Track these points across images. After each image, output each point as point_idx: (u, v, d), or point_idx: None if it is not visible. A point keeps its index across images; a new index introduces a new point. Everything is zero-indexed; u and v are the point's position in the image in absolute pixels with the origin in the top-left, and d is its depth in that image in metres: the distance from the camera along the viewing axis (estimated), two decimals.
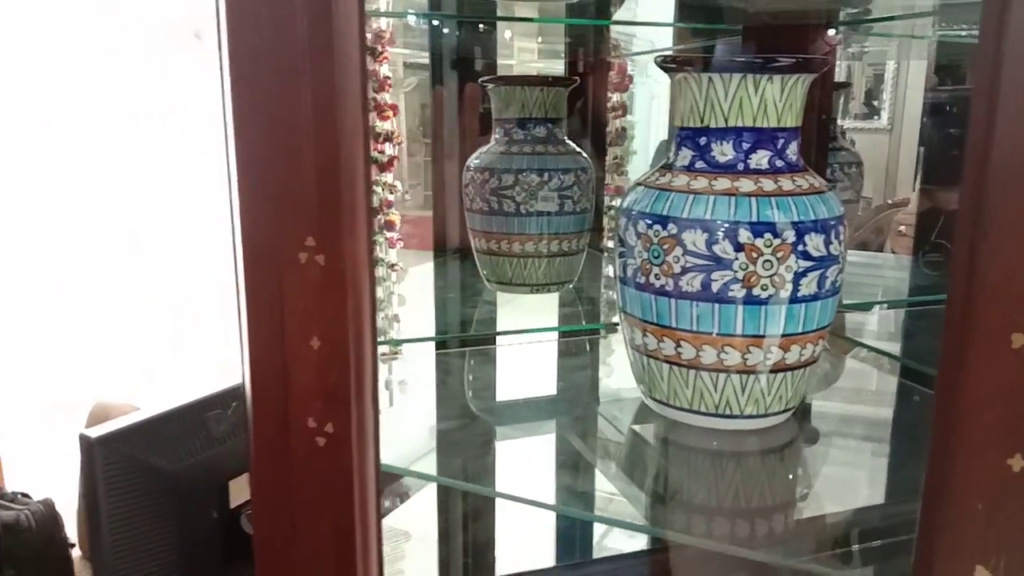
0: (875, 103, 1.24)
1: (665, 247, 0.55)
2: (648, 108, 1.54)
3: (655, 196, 0.56)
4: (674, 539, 0.71)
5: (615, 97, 1.19)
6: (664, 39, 1.18)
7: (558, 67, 1.33)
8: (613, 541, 1.27)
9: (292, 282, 0.49)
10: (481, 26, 1.13)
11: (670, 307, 0.55)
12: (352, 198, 0.47)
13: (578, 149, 0.98)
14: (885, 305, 1.08)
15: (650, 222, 0.56)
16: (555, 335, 1.03)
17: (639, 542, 1.03)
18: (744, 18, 0.81)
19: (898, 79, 1.23)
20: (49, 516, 1.61)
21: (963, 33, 0.98)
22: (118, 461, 0.90)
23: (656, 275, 0.55)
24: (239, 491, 1.01)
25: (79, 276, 1.99)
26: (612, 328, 0.99)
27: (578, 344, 1.03)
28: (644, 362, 0.59)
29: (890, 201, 1.19)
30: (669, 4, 1.00)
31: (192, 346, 1.90)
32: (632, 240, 0.57)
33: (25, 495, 1.82)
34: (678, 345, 0.56)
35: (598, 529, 1.28)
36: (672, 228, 0.54)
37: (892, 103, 1.22)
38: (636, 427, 0.69)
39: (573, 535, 1.27)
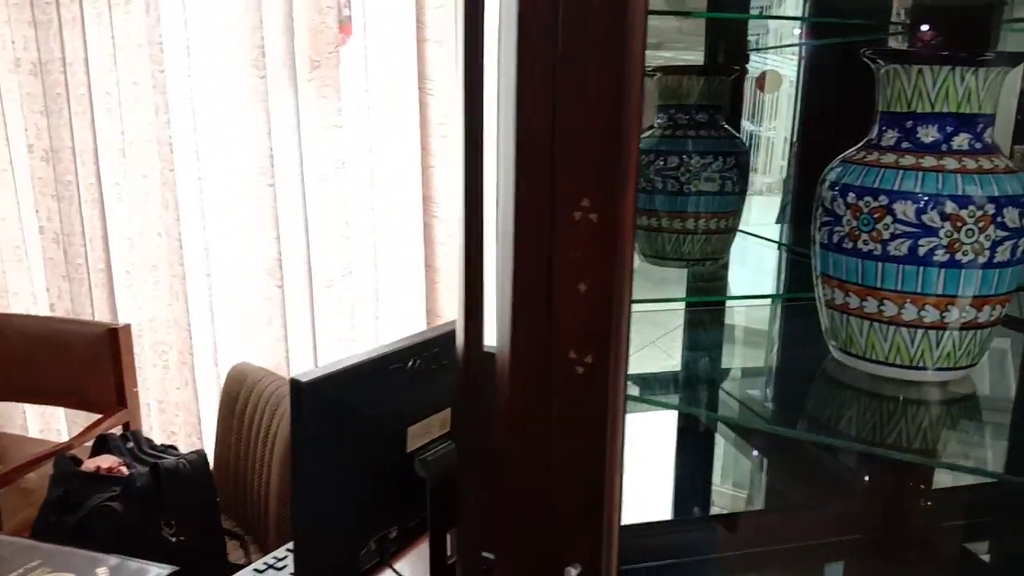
0: None
1: (875, 216, 0.63)
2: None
3: (864, 171, 0.65)
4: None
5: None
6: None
7: (695, 58, 1.41)
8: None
9: (565, 236, 0.59)
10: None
11: (877, 269, 0.63)
12: (627, 168, 0.57)
13: (736, 134, 1.06)
14: None
15: (860, 193, 0.64)
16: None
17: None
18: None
19: None
20: (201, 465, 1.78)
21: None
22: (322, 402, 1.02)
23: (865, 241, 0.64)
24: (415, 438, 1.13)
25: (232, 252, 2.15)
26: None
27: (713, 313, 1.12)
28: (842, 319, 0.68)
29: None
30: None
31: (329, 316, 2.04)
32: (840, 210, 0.65)
33: (173, 447, 1.99)
34: (881, 303, 0.64)
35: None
36: (883, 199, 0.62)
37: None
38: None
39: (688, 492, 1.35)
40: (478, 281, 0.85)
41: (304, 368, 2.07)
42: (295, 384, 1.03)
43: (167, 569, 1.05)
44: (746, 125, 1.42)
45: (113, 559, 1.05)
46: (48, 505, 1.76)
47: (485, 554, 0.66)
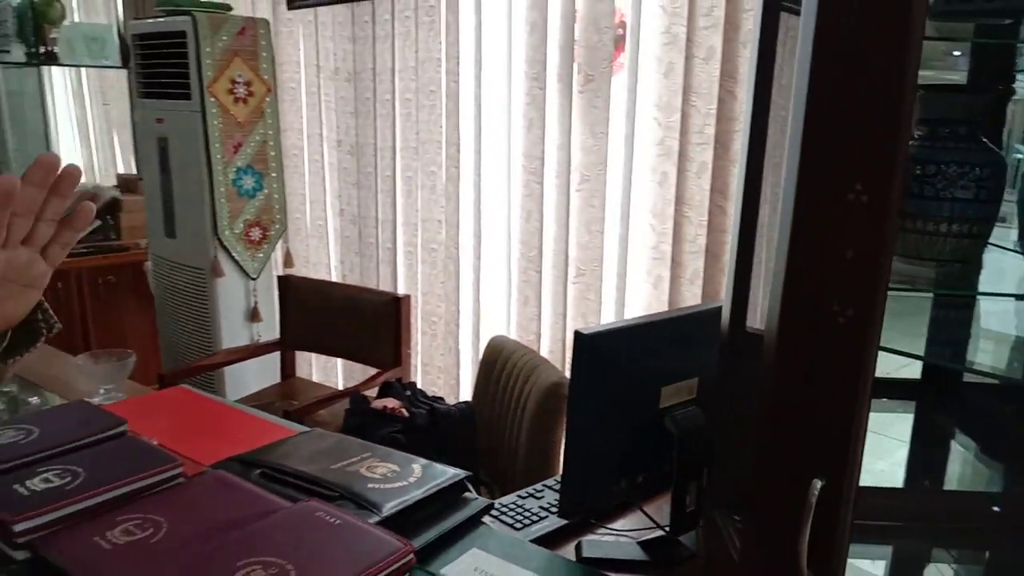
0: None
1: None
2: None
3: None
4: None
5: None
6: None
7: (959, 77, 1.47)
8: None
9: (838, 214, 0.75)
10: None
11: None
12: (896, 159, 0.73)
13: (995, 148, 1.14)
14: None
15: None
16: None
17: None
18: None
19: None
20: (469, 414, 2.09)
21: None
22: (598, 353, 1.24)
23: None
24: (667, 397, 1.32)
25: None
26: None
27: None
28: None
29: None
30: None
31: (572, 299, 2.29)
32: None
33: (441, 398, 2.33)
34: None
35: None
36: None
37: None
38: None
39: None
40: (747, 266, 1.05)
41: (552, 345, 2.33)
42: (579, 335, 1.26)
43: (463, 473, 1.31)
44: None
45: (423, 460, 1.33)
46: (345, 431, 2.16)
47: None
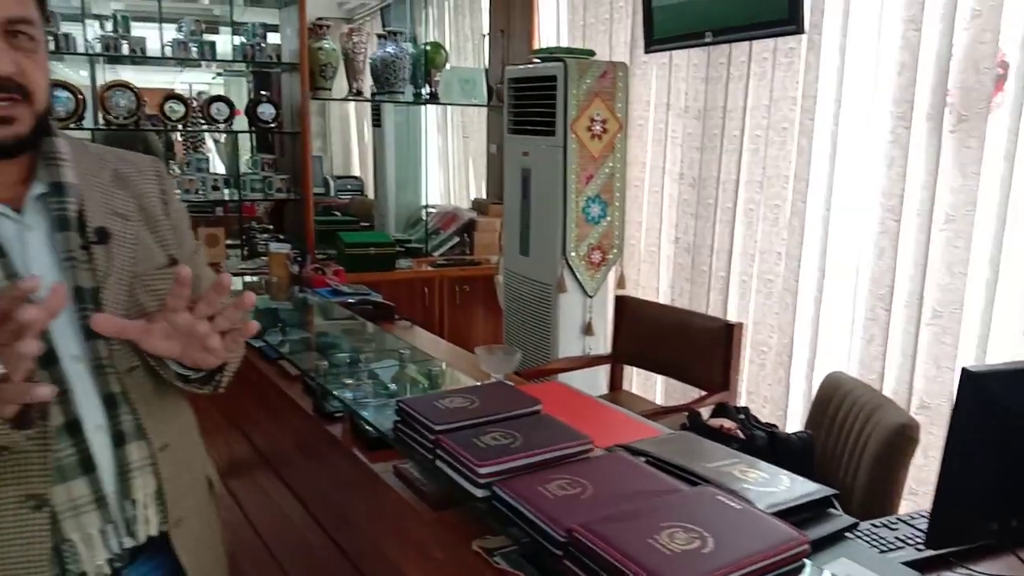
0: None
1: None
2: None
3: None
4: None
5: None
6: None
7: None
8: None
9: None
10: None
11: None
12: None
13: None
14: None
15: None
16: None
17: None
18: None
19: None
20: (808, 444, 2.14)
21: None
22: (988, 392, 1.26)
23: None
24: None
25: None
26: None
27: None
28: None
29: None
30: None
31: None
32: None
33: (774, 425, 2.39)
34: None
35: None
36: None
37: None
38: None
39: None
40: None
41: (896, 386, 2.29)
42: (967, 373, 1.29)
43: (830, 490, 1.38)
44: None
45: (789, 473, 1.42)
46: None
47: None
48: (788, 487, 1.35)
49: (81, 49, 3.62)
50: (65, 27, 3.63)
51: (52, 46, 3.53)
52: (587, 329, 3.31)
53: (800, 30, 2.35)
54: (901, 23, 2.18)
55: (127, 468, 1.03)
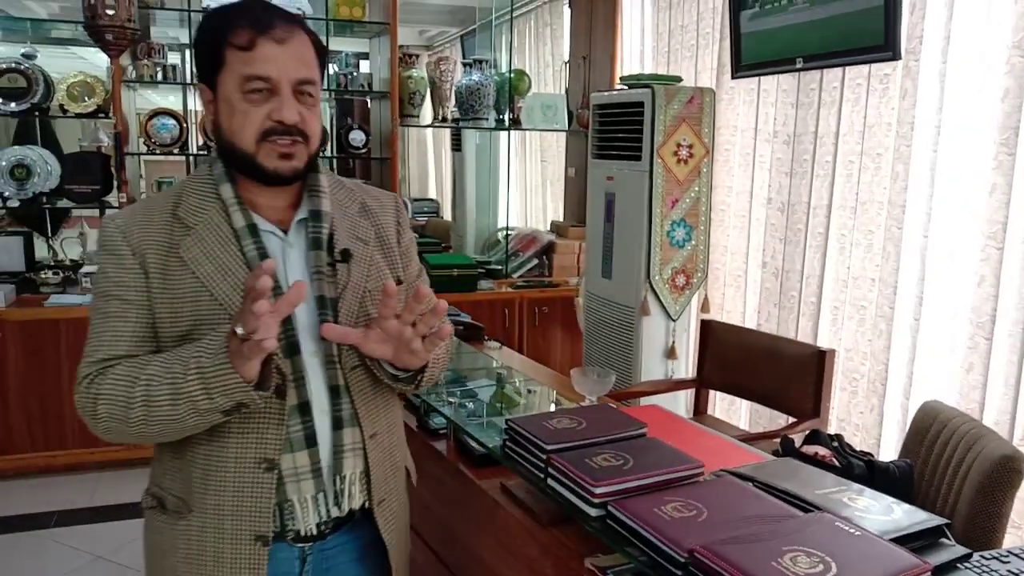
0: None
1: None
2: None
3: None
4: None
5: None
6: None
7: None
8: None
9: None
10: None
11: None
12: None
13: None
14: None
15: None
16: None
17: None
18: None
19: None
20: (908, 473, 2.11)
21: None
22: None
23: None
24: None
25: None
26: None
27: None
28: None
29: None
30: None
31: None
32: None
33: (869, 453, 2.36)
34: None
35: None
36: None
37: None
38: None
39: None
40: None
41: (998, 416, 2.24)
42: None
43: (942, 520, 1.37)
44: None
45: (897, 500, 1.41)
46: None
47: None
48: (899, 515, 1.35)
49: (189, 79, 3.82)
50: (171, 58, 3.86)
51: (160, 76, 3.76)
52: (670, 353, 3.32)
53: (897, 56, 2.34)
54: (1006, 49, 2.15)
55: (341, 448, 1.21)
